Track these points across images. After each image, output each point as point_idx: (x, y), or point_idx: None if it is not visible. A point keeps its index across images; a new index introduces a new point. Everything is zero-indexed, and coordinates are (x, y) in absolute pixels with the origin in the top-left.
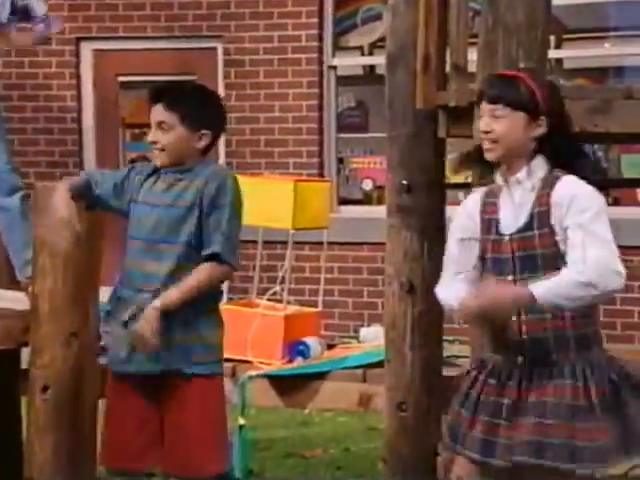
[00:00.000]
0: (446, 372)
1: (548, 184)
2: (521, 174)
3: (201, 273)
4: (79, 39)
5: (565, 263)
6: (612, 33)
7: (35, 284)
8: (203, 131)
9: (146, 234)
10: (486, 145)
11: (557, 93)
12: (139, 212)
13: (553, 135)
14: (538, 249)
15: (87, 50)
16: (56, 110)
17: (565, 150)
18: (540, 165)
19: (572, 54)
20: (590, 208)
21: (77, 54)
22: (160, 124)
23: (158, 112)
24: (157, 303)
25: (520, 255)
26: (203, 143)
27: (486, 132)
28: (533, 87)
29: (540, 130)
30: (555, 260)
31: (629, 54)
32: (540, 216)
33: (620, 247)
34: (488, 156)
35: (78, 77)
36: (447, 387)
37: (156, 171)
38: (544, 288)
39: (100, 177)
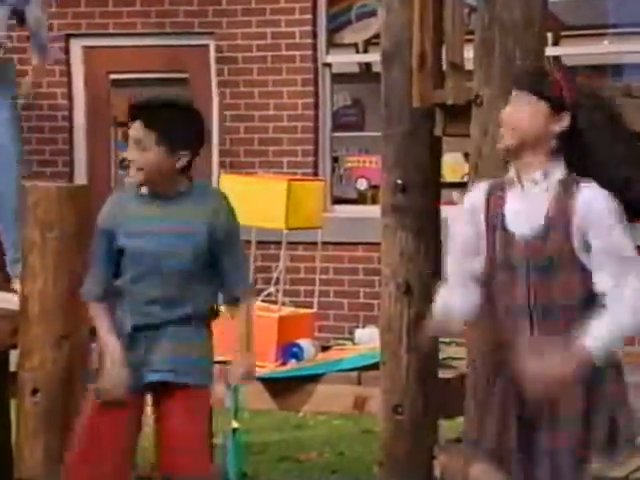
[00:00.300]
0: (442, 374)
1: (567, 189)
2: (538, 175)
3: (247, 314)
4: (69, 36)
5: (580, 270)
6: (610, 30)
7: (25, 285)
8: (182, 152)
9: (142, 260)
10: (502, 131)
11: (597, 99)
12: (132, 242)
13: (573, 134)
14: (555, 254)
15: (77, 47)
16: (46, 108)
17: (578, 151)
18: (558, 166)
19: (570, 51)
20: (614, 227)
21: (67, 51)
22: (138, 142)
23: (136, 130)
24: (240, 380)
25: (534, 259)
26: (182, 163)
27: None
28: (561, 82)
29: (562, 124)
30: (569, 266)
31: (628, 52)
32: (558, 221)
33: None
34: (503, 143)
35: (69, 74)
36: (443, 390)
37: (141, 195)
38: (600, 340)
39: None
